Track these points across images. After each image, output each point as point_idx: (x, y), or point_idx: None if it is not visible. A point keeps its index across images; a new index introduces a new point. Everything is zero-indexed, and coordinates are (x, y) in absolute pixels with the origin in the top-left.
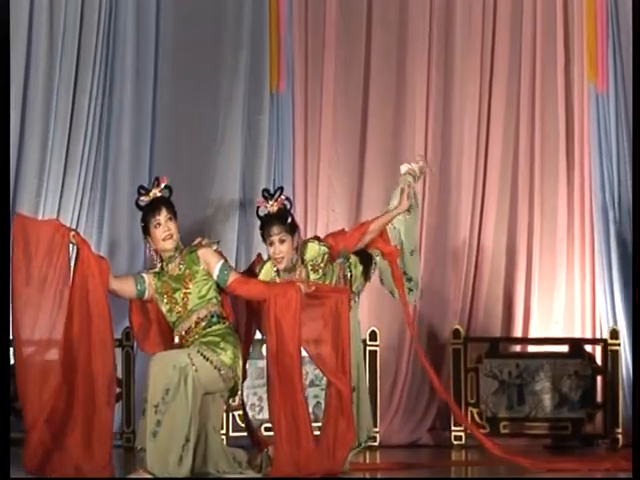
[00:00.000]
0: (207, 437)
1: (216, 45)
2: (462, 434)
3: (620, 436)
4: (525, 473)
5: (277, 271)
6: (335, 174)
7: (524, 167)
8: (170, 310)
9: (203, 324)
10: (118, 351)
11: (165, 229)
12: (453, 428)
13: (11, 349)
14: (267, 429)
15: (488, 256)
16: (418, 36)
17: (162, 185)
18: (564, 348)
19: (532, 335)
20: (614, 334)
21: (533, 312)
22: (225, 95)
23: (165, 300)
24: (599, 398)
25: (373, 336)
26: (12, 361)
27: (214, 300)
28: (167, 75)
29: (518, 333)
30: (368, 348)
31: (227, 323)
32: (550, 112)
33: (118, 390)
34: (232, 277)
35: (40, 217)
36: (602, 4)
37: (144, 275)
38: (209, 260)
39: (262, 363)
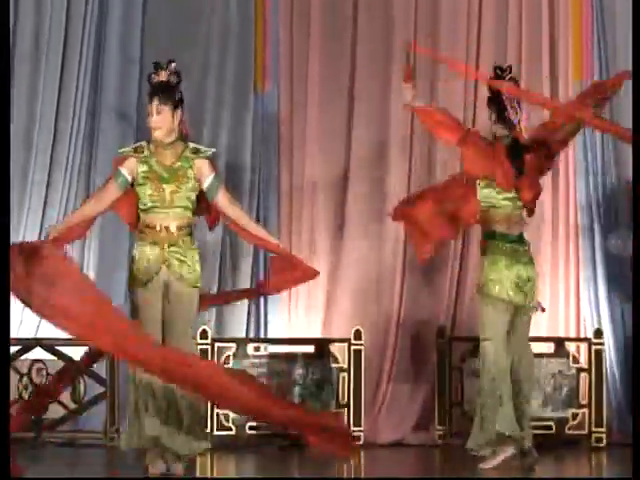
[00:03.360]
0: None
1: (202, 43)
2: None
3: (604, 435)
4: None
5: None
6: (320, 170)
7: None
8: (151, 195)
9: (183, 234)
10: None
11: (153, 119)
12: (437, 427)
13: None
14: (251, 428)
15: (474, 256)
16: (404, 27)
17: (169, 70)
18: (548, 347)
19: None
20: (598, 334)
21: None
22: (210, 94)
23: (149, 186)
24: (583, 398)
25: (358, 335)
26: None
27: (190, 213)
28: None
29: None
30: (352, 347)
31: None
32: (536, 110)
33: (102, 389)
34: (222, 192)
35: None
36: (587, 4)
37: (122, 170)
38: (203, 169)
39: (247, 362)
